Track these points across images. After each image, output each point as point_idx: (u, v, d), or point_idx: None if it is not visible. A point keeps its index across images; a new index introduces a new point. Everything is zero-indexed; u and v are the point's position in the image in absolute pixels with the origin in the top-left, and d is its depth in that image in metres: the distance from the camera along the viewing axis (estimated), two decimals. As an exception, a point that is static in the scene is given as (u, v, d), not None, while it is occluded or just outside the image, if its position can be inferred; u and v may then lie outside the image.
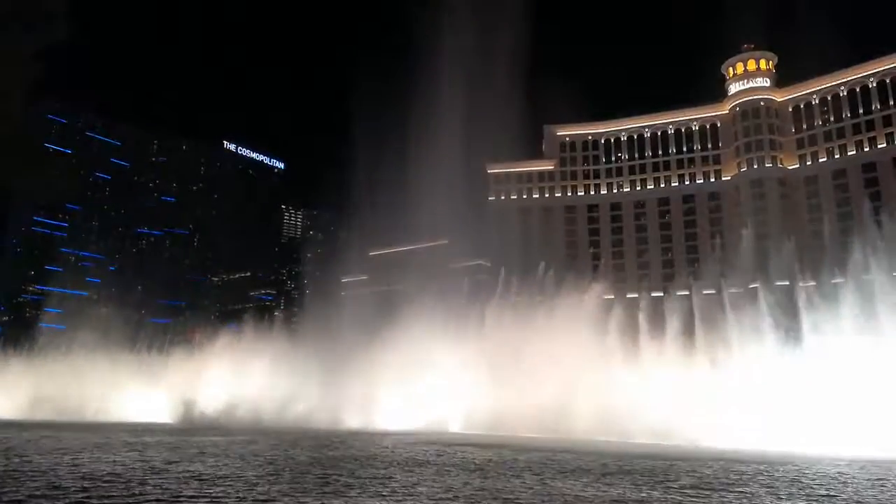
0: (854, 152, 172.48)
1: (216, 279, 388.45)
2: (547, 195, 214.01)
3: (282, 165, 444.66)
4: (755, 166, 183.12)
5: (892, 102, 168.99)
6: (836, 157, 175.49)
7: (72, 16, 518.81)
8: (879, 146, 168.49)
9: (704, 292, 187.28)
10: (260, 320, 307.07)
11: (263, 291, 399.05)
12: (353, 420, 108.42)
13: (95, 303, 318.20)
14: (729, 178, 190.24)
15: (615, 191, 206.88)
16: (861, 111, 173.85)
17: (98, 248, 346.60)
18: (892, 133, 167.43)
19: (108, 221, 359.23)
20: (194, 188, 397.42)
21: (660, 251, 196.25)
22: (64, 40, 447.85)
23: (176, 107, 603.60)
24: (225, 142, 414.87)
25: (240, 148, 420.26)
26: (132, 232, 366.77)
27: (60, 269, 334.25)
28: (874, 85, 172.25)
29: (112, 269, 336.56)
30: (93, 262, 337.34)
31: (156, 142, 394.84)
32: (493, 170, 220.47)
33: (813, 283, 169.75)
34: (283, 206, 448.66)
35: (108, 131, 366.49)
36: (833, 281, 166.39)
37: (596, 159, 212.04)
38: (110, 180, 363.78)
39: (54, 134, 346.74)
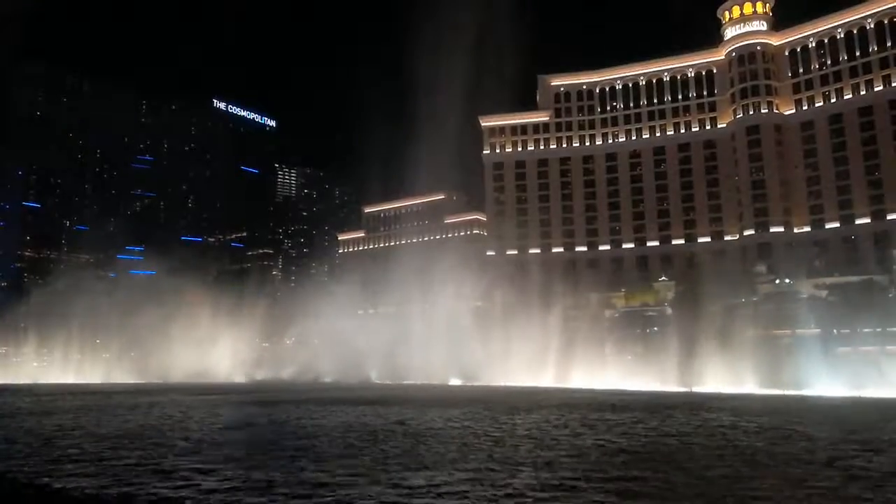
0: (851, 96, 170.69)
1: (212, 240, 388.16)
2: (542, 147, 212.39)
3: (274, 123, 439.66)
4: (751, 112, 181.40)
5: (889, 44, 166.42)
6: (833, 101, 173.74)
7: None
8: (876, 89, 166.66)
9: (700, 240, 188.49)
10: (259, 280, 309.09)
11: (261, 251, 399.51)
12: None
13: (92, 266, 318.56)
14: (725, 125, 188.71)
15: (610, 141, 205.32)
16: (858, 54, 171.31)
17: (91, 211, 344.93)
18: (889, 75, 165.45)
19: (101, 184, 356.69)
20: (186, 149, 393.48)
21: (655, 201, 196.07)
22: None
23: (162, 65, 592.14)
24: (214, 100, 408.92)
25: (230, 106, 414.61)
26: (125, 194, 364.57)
27: (55, 234, 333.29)
28: (871, 26, 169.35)
29: (107, 232, 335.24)
30: (87, 225, 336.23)
31: (144, 102, 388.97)
32: (488, 122, 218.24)
33: (807, 230, 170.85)
34: (277, 165, 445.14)
35: (95, 93, 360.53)
36: (829, 226, 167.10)
37: (591, 109, 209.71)
38: (100, 143, 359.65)
39: (41, 97, 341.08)
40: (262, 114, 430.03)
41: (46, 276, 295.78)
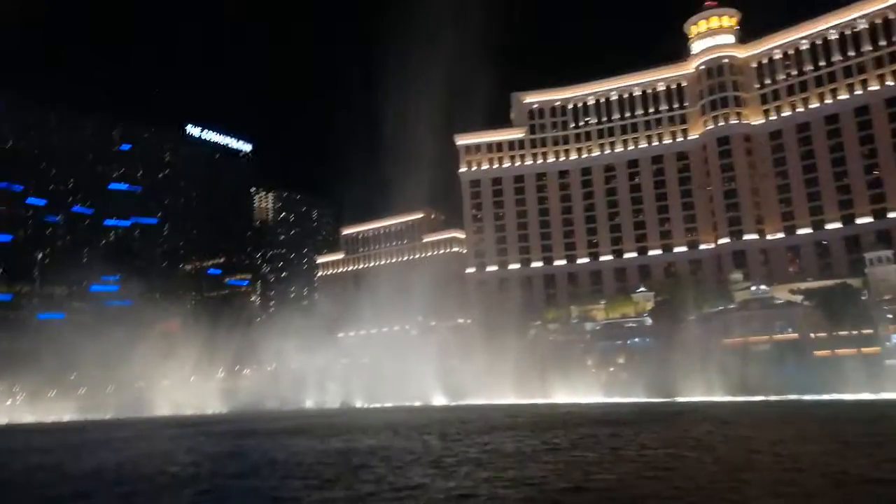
0: (817, 105, 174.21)
1: (189, 268, 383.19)
2: (518, 163, 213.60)
3: (249, 148, 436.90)
4: (721, 124, 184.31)
5: (852, 54, 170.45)
6: (800, 110, 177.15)
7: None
8: (841, 98, 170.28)
9: (677, 250, 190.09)
10: (238, 307, 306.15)
11: (239, 277, 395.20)
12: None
13: (66, 299, 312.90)
14: (696, 136, 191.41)
15: (585, 156, 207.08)
16: (823, 64, 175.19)
17: (64, 243, 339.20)
18: (852, 84, 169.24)
19: (74, 214, 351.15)
20: (160, 176, 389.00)
21: (631, 213, 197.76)
22: (13, 22, 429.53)
23: (133, 92, 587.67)
24: (189, 126, 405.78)
25: (204, 131, 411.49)
26: (99, 225, 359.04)
27: (27, 267, 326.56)
28: (835, 37, 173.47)
29: (80, 263, 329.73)
30: (60, 257, 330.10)
31: (117, 129, 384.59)
32: (463, 141, 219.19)
33: (781, 237, 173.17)
34: (253, 190, 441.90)
35: (66, 121, 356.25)
36: (800, 232, 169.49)
37: (564, 125, 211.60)
38: (72, 171, 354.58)
39: (8, 125, 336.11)
40: (237, 138, 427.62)
41: (19, 311, 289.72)
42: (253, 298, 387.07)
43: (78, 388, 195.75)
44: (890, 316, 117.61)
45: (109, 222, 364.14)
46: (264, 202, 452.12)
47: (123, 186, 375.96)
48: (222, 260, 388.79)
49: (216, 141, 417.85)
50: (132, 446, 56.48)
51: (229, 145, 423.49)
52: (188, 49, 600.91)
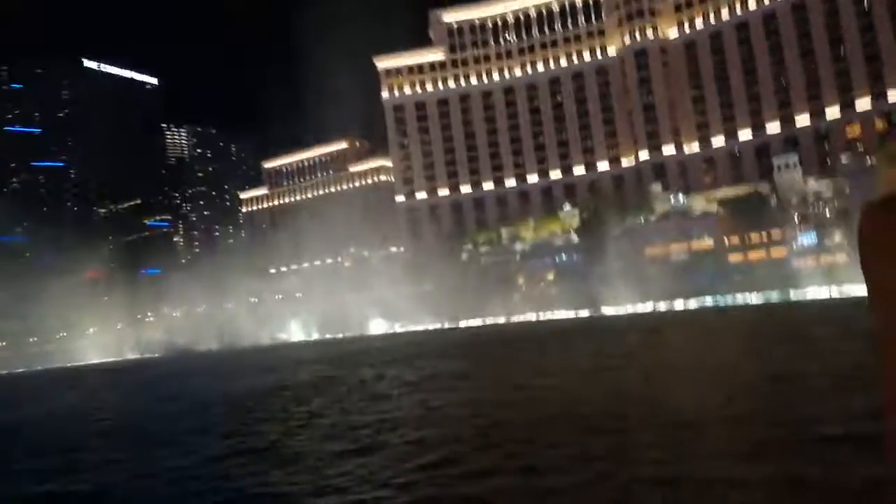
0: (727, 16, 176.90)
1: (103, 211, 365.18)
2: (441, 87, 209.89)
3: (155, 81, 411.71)
4: (638, 38, 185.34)
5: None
6: (712, 21, 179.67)
7: None
8: (750, 5, 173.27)
9: (600, 167, 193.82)
10: (160, 248, 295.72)
11: (158, 218, 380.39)
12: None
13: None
14: (614, 52, 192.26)
15: (507, 76, 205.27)
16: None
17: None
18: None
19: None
20: (60, 115, 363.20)
21: (554, 133, 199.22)
22: None
23: (18, 24, 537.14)
24: (84, 60, 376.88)
25: (102, 65, 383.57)
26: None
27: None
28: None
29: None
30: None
31: (6, 68, 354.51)
32: (383, 63, 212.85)
33: (697, 151, 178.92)
34: (164, 125, 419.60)
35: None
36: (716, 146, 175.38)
37: (485, 44, 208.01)
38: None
39: None
40: (141, 71, 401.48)
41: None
42: (176, 239, 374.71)
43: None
44: (796, 220, 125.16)
45: (10, 168, 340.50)
46: (178, 138, 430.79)
47: (20, 129, 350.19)
48: (139, 201, 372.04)
49: (119, 75, 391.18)
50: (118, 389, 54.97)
51: (134, 79, 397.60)
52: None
